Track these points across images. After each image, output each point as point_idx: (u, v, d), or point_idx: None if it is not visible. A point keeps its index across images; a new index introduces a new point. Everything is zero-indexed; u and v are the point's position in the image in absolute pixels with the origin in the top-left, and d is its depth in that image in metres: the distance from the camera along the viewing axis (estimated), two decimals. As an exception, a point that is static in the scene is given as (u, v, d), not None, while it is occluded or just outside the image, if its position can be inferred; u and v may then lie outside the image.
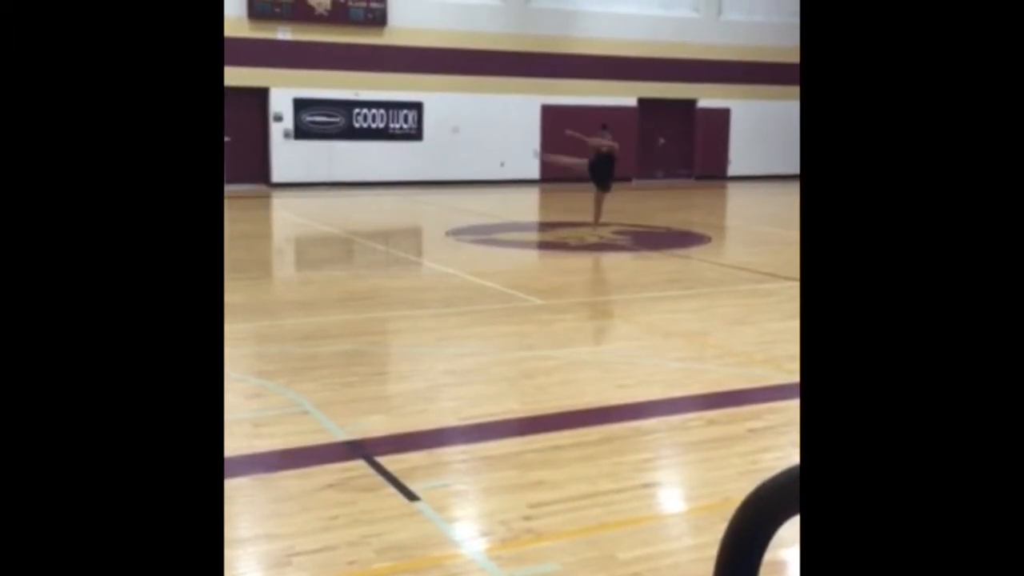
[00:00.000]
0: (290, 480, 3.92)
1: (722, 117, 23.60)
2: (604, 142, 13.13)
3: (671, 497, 4.01)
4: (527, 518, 3.55)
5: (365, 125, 20.03)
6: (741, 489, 1.51)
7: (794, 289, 8.04)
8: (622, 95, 22.50)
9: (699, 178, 23.51)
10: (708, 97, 23.32)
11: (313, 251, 11.99)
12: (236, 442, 4.44)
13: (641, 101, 22.87)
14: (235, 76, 18.71)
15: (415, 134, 20.47)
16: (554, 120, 21.67)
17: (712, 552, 3.42)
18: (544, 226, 14.93)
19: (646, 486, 4.00)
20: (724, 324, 7.07)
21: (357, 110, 19.88)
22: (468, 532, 3.49)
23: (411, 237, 13.59)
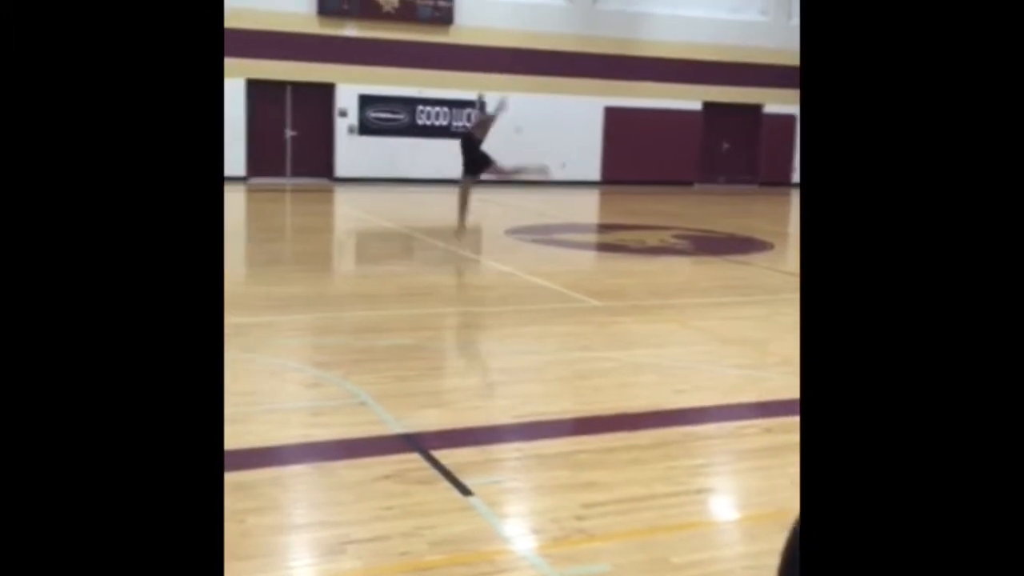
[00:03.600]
0: (346, 470, 3.98)
1: (788, 123, 23.28)
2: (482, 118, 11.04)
3: (724, 504, 3.98)
4: (579, 518, 3.55)
5: (428, 123, 20.18)
6: (796, 499, 1.50)
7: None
8: (687, 99, 22.33)
9: (763, 185, 23.22)
10: (774, 103, 23.03)
11: (373, 246, 12.12)
12: (294, 430, 4.52)
13: (706, 105, 22.67)
14: (302, 72, 19.00)
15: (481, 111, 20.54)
16: (617, 122, 21.60)
17: (766, 561, 3.38)
18: (604, 228, 14.90)
19: (699, 491, 3.98)
20: (784, 332, 6.98)
21: (421, 107, 20.04)
22: (520, 529, 3.51)
23: (471, 235, 13.66)
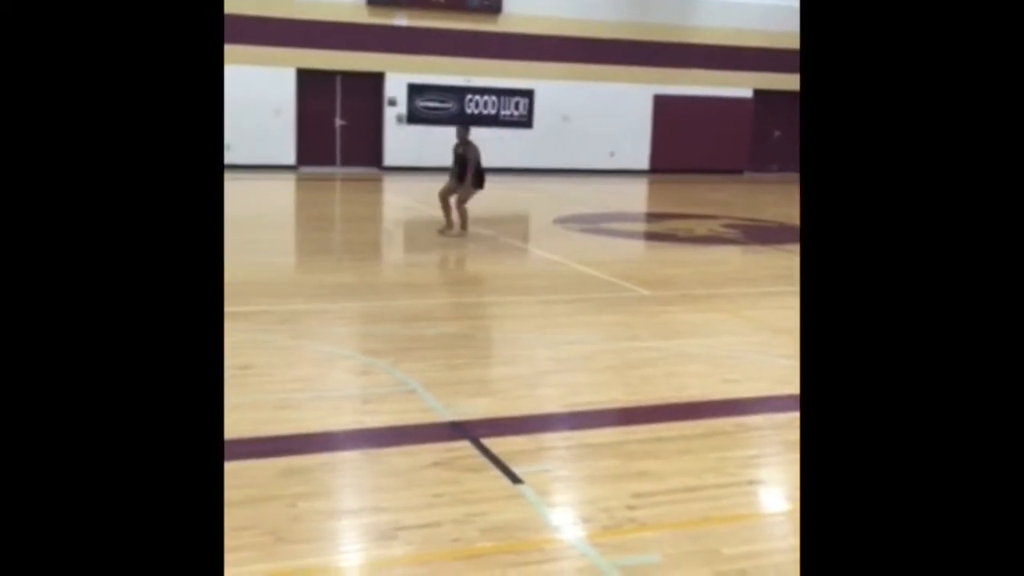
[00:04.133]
0: (397, 457, 4.00)
1: (841, 110, 22.87)
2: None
3: (776, 495, 3.93)
4: (630, 507, 3.54)
5: (476, 111, 20.18)
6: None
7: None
8: (737, 86, 22.06)
9: (814, 173, 22.86)
10: (827, 89, 22.63)
11: (422, 235, 12.16)
12: (345, 417, 4.56)
13: (757, 92, 22.38)
14: (352, 61, 19.11)
15: (526, 121, 20.52)
16: (667, 110, 21.42)
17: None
18: (653, 217, 14.79)
19: (751, 483, 3.94)
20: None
21: (469, 96, 20.05)
22: (570, 518, 3.50)
23: (519, 224, 13.65)
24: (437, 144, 19.99)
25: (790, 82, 22.49)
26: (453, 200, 10.89)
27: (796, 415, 4.78)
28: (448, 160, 21.17)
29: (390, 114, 19.68)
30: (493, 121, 20.23)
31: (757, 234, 12.40)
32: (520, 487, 3.69)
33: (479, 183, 10.85)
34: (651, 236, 12.60)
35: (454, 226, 10.80)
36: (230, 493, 3.54)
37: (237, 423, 4.33)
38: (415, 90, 19.69)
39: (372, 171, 19.54)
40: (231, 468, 3.79)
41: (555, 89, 20.41)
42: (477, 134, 20.08)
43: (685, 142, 21.59)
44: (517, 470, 3.85)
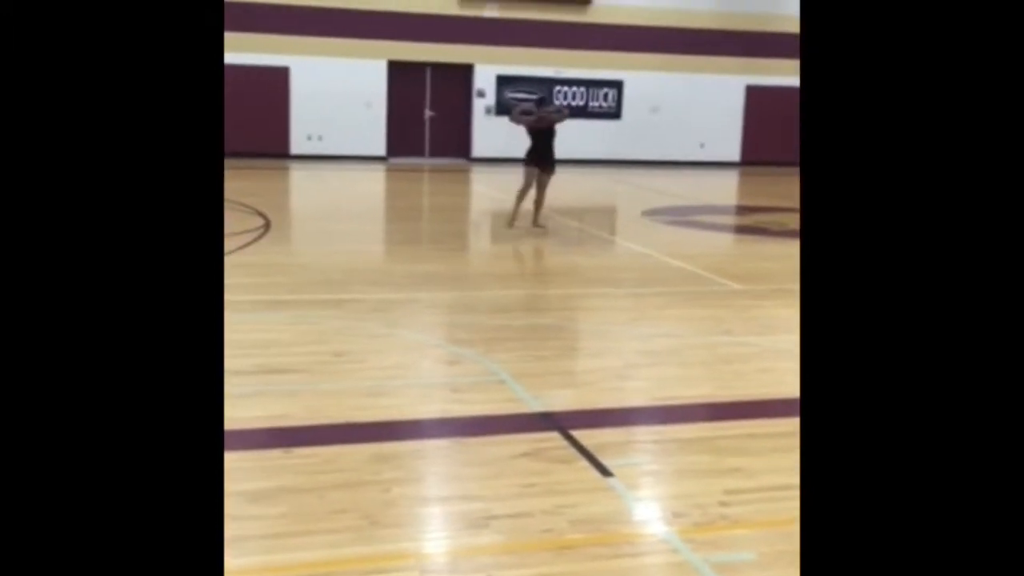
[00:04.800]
0: (487, 446, 4.03)
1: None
2: (548, 114, 10.74)
3: (874, 497, 3.84)
4: (722, 504, 3.49)
5: (565, 102, 20.12)
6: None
7: None
8: (832, 76, 21.49)
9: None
10: (928, 80, 21.90)
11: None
12: (435, 405, 4.61)
13: (853, 83, 21.78)
14: (442, 53, 19.26)
15: (614, 112, 20.38)
16: (758, 101, 21.01)
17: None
18: (743, 210, 14.54)
19: (848, 483, 3.85)
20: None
21: (557, 87, 20.00)
22: (661, 512, 3.48)
23: (607, 216, 13.58)
24: (525, 136, 20.06)
25: (888, 72, 21.85)
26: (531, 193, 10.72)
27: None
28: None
29: (479, 106, 19.77)
30: (582, 112, 20.15)
31: (852, 228, 12.09)
32: (609, 480, 3.68)
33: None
34: (742, 229, 12.39)
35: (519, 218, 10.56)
36: (327, 477, 3.62)
37: (332, 408, 4.42)
38: (504, 81, 19.74)
39: (460, 162, 19.68)
40: (327, 452, 3.88)
41: (644, 80, 20.21)
42: (565, 125, 19.99)
43: (777, 133, 21.14)
44: (606, 462, 3.84)
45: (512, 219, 10.59)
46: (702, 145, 20.68)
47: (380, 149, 19.24)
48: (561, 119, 10.73)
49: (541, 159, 10.53)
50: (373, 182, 16.30)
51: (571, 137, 20.18)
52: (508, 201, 14.16)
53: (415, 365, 5.30)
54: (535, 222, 10.64)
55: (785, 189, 16.62)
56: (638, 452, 4.06)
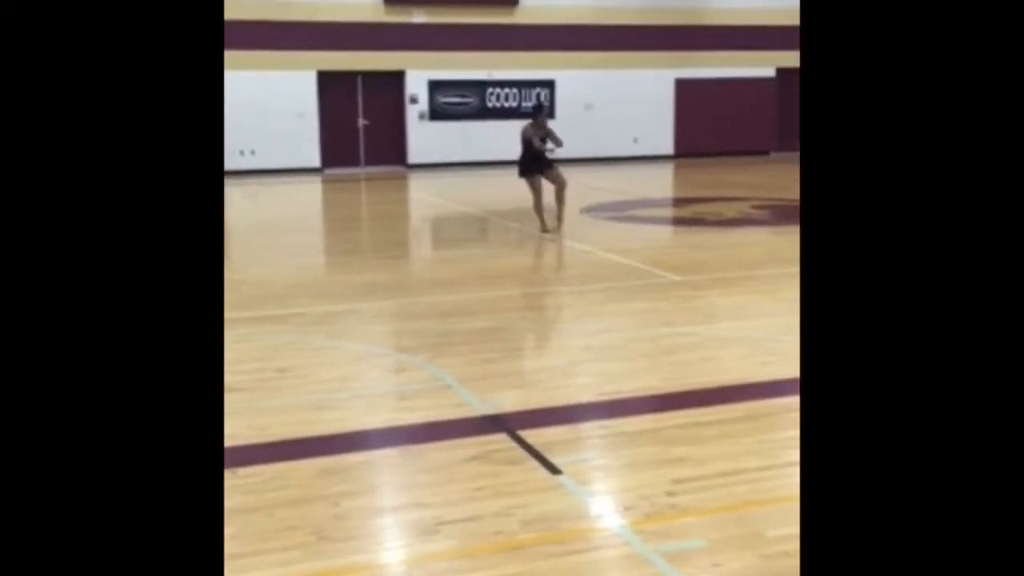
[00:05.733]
0: (435, 452, 4.02)
1: (866, 85, 22.62)
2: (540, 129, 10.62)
3: (819, 476, 3.91)
4: (670, 493, 3.53)
5: (498, 104, 20.17)
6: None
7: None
8: (759, 66, 21.86)
9: (841, 149, 22.63)
10: (851, 65, 22.37)
11: (449, 230, 12.19)
12: (382, 415, 4.58)
13: (780, 71, 22.16)
14: (373, 60, 19.16)
15: (548, 112, 20.46)
16: (689, 94, 21.29)
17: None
18: (679, 202, 14.71)
19: (792, 464, 3.91)
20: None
21: (490, 90, 20.03)
22: (611, 506, 3.50)
23: (546, 215, 13.62)
24: (460, 140, 20.03)
25: (813, 59, 22.25)
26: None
27: (834, 394, 4.75)
28: (469, 154, 21.03)
29: (412, 112, 19.72)
30: (515, 113, 20.20)
31: (787, 214, 12.29)
32: (559, 477, 3.70)
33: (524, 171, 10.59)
34: (679, 221, 12.54)
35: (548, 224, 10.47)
36: (274, 495, 3.58)
37: (276, 425, 4.37)
38: (436, 86, 19.71)
39: (397, 169, 19.60)
40: (273, 470, 3.83)
41: (576, 78, 20.35)
42: (499, 127, 19.94)
43: (709, 125, 21.45)
44: (555, 461, 3.85)
45: (543, 226, 10.46)
46: (636, 140, 20.88)
47: (315, 160, 19.07)
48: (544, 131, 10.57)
49: (537, 161, 10.44)
50: (310, 194, 16.16)
51: (506, 138, 20.21)
52: (447, 206, 14.15)
53: (360, 376, 5.27)
54: (548, 224, 10.46)
55: (719, 179, 16.86)
56: (586, 448, 4.09)
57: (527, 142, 10.50)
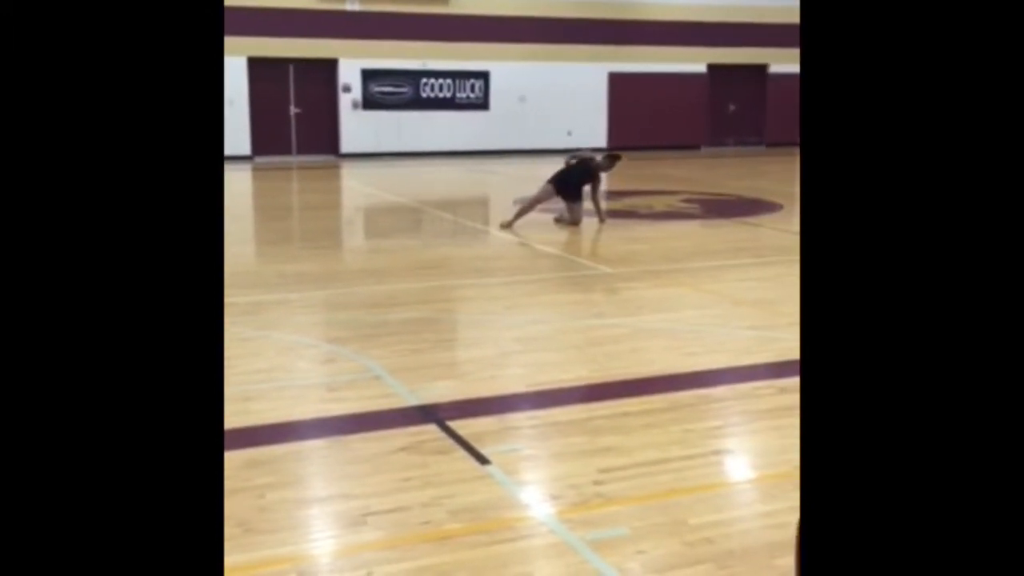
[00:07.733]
0: (363, 443, 4.00)
1: (794, 83, 23.08)
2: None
3: (741, 464, 3.99)
4: (597, 483, 3.57)
5: (432, 95, 20.09)
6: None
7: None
8: (691, 61, 22.15)
9: (770, 145, 23.08)
10: (780, 62, 22.83)
11: (382, 220, 12.11)
12: (310, 406, 4.54)
13: (711, 67, 22.49)
14: (304, 48, 18.91)
15: (482, 103, 20.46)
16: (622, 88, 21.47)
17: (784, 519, 3.40)
18: (612, 194, 14.83)
19: (716, 453, 3.99)
20: (796, 292, 6.95)
21: (424, 80, 19.95)
22: (538, 495, 3.53)
23: (479, 206, 13.63)
24: (393, 129, 19.89)
25: (743, 56, 22.64)
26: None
27: (757, 385, 4.85)
28: (403, 144, 20.92)
29: (345, 101, 19.53)
30: (449, 104, 20.15)
31: (716, 208, 12.49)
32: (487, 468, 3.71)
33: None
34: (611, 213, 12.64)
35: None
36: (197, 487, 3.52)
37: (201, 417, 4.30)
38: (369, 75, 19.55)
39: (329, 159, 19.39)
40: (197, 462, 3.77)
41: (511, 70, 20.37)
42: (433, 117, 19.85)
43: (641, 119, 21.67)
44: (484, 451, 3.87)
45: (508, 221, 10.36)
46: (569, 133, 20.99)
47: (245, 148, 18.77)
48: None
49: (578, 190, 10.63)
50: (239, 182, 15.89)
51: (440, 129, 20.15)
52: (380, 196, 14.05)
53: (289, 366, 5.21)
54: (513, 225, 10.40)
55: (651, 172, 17.05)
56: (515, 438, 4.11)
57: (591, 172, 10.52)
